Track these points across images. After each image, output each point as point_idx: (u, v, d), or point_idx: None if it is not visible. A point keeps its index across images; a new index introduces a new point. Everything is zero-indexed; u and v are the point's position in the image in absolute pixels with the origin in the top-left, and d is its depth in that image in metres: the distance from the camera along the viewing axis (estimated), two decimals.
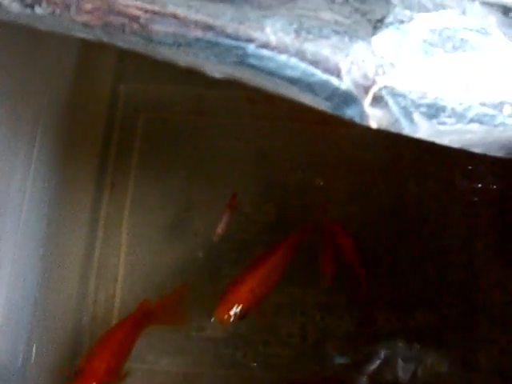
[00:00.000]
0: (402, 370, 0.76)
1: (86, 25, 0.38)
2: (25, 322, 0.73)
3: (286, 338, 0.77)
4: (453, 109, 0.39)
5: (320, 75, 0.37)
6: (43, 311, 0.75)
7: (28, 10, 0.38)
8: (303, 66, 0.37)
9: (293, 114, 0.86)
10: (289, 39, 0.37)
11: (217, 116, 0.88)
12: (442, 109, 0.39)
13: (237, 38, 0.37)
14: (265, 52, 0.37)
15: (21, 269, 0.71)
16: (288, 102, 0.84)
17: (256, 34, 0.37)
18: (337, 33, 0.38)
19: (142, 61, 0.85)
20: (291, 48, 0.37)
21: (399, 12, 0.39)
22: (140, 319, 0.72)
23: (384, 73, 0.38)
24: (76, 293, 0.78)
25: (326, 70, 0.37)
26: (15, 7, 0.38)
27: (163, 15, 0.37)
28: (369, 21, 0.39)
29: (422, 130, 0.39)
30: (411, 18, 0.39)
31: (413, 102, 0.38)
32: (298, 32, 0.37)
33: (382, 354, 0.76)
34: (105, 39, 0.38)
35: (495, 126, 0.40)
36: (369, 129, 0.78)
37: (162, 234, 0.82)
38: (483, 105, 0.39)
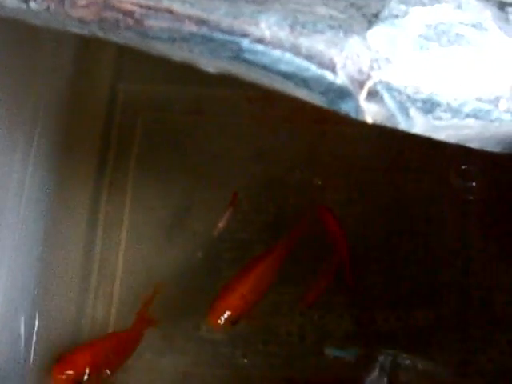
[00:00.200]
0: (401, 370, 0.76)
1: (80, 20, 0.38)
2: (23, 322, 0.73)
3: (285, 337, 0.77)
4: (448, 104, 0.39)
5: (315, 70, 0.37)
6: (42, 311, 0.75)
7: (23, 5, 0.38)
8: (298, 60, 0.37)
9: (292, 114, 0.86)
10: (283, 34, 0.37)
11: (216, 115, 0.88)
12: (438, 104, 0.39)
13: (231, 33, 0.37)
14: (259, 47, 0.37)
15: (19, 268, 0.71)
16: (287, 101, 0.84)
17: (250, 29, 0.37)
18: (332, 27, 0.38)
19: (141, 60, 0.86)
20: (286, 43, 0.37)
21: (394, 6, 0.39)
22: (138, 331, 0.73)
23: (379, 67, 0.38)
24: (75, 292, 0.78)
25: (321, 65, 0.37)
26: (10, 2, 0.38)
27: (158, 10, 0.37)
28: (364, 15, 0.38)
29: (418, 124, 0.39)
30: (406, 13, 0.39)
31: (408, 96, 0.38)
32: (292, 27, 0.37)
33: (381, 353, 0.76)
34: (100, 34, 0.38)
35: (491, 121, 0.39)
36: (368, 127, 0.78)
37: (161, 234, 0.82)
38: (479, 100, 0.39)
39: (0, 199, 0.68)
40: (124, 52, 0.89)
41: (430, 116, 0.39)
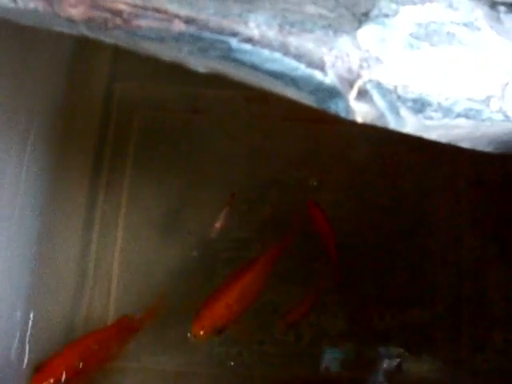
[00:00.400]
0: (396, 369, 0.75)
1: (69, 19, 0.37)
2: (18, 321, 0.73)
3: (280, 337, 0.77)
4: (439, 103, 0.39)
5: (304, 69, 0.37)
6: (37, 310, 0.75)
7: (11, 4, 0.38)
8: (287, 60, 0.37)
9: (289, 113, 0.86)
10: (272, 33, 0.37)
11: (212, 115, 0.87)
12: (429, 103, 0.38)
13: (220, 32, 0.36)
14: (248, 46, 0.37)
15: (14, 267, 0.71)
16: (284, 101, 0.84)
17: (239, 28, 0.36)
18: (321, 27, 0.38)
19: (137, 59, 0.85)
20: (274, 42, 0.37)
21: (385, 5, 0.39)
22: (117, 333, 0.73)
23: (369, 67, 0.37)
24: (71, 291, 0.78)
25: (310, 64, 0.37)
26: None
27: (146, 9, 0.37)
28: (354, 14, 0.38)
29: (409, 124, 0.39)
30: (397, 12, 0.39)
31: (399, 96, 0.38)
32: (281, 26, 0.37)
33: (377, 352, 0.76)
34: (88, 34, 0.38)
35: (482, 120, 0.39)
36: (365, 127, 0.78)
37: (157, 233, 0.82)
38: (470, 99, 0.39)
39: None
40: (120, 51, 0.87)
41: (420, 115, 0.39)
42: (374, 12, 0.39)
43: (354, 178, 0.84)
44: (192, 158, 0.85)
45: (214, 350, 0.76)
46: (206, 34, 0.37)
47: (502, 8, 0.41)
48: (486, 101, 0.39)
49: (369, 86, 0.37)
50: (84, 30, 0.38)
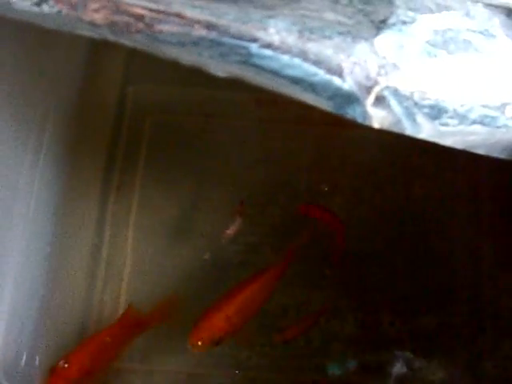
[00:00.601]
0: (406, 375, 0.76)
1: (91, 23, 0.38)
2: (30, 320, 0.73)
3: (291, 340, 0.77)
4: (455, 110, 0.39)
5: (322, 75, 0.38)
6: (49, 309, 0.76)
7: (35, 9, 0.39)
8: (306, 65, 0.38)
9: (300, 117, 0.87)
10: (292, 39, 0.37)
11: (224, 118, 0.88)
12: (444, 110, 0.39)
13: (240, 38, 0.37)
14: (268, 52, 0.37)
15: (27, 267, 0.72)
16: (295, 104, 0.84)
17: (259, 34, 0.37)
18: (340, 33, 0.38)
19: (150, 62, 0.86)
20: (294, 48, 0.37)
21: (402, 13, 0.39)
22: (124, 326, 0.72)
23: (386, 73, 0.38)
24: (82, 292, 0.79)
25: (329, 70, 0.38)
26: (23, 5, 0.38)
27: (168, 15, 0.37)
28: (372, 21, 0.39)
29: (425, 130, 0.40)
30: (414, 19, 0.40)
31: (415, 102, 0.39)
32: (301, 32, 0.38)
33: (387, 357, 0.76)
34: (110, 38, 0.38)
35: (497, 127, 0.40)
36: (376, 132, 0.78)
37: (168, 235, 0.82)
38: (485, 106, 0.39)
39: (9, 199, 0.68)
40: (133, 55, 0.89)
41: (436, 122, 0.39)
42: (392, 19, 0.39)
43: (365, 183, 0.84)
44: (203, 161, 0.86)
45: (224, 352, 0.76)
46: (227, 40, 0.37)
47: None
48: (502, 108, 0.39)
49: (386, 93, 0.38)
50: (107, 34, 0.38)
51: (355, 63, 0.38)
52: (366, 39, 0.38)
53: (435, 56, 0.39)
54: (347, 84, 0.38)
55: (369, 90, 0.38)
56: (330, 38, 0.38)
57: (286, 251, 0.76)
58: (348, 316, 0.78)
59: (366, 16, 0.39)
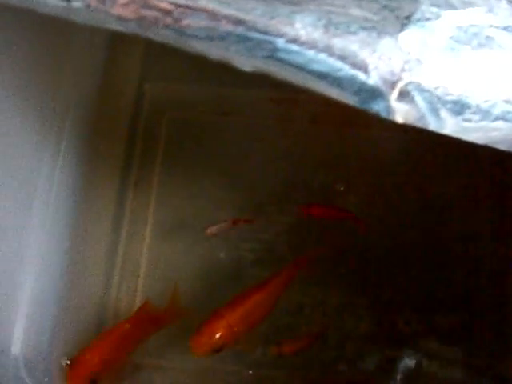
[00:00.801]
0: (421, 374, 0.76)
1: (120, 18, 0.38)
2: (49, 315, 0.74)
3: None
4: (478, 105, 0.39)
5: (348, 70, 0.38)
6: (67, 305, 0.76)
7: (64, 3, 0.39)
8: (331, 60, 0.38)
9: (316, 116, 0.87)
10: (318, 34, 0.38)
11: (241, 116, 0.88)
12: (468, 105, 0.39)
13: (267, 33, 0.37)
14: (294, 47, 0.37)
15: (47, 263, 0.73)
16: (312, 103, 0.85)
17: (286, 29, 0.37)
18: (365, 29, 0.38)
19: (167, 60, 0.88)
20: (320, 43, 0.38)
21: (426, 9, 0.40)
22: (141, 319, 0.73)
23: (411, 69, 0.38)
24: (99, 288, 0.79)
25: (354, 65, 0.38)
26: (52, 0, 0.39)
27: (195, 9, 0.38)
28: (397, 17, 0.39)
29: (448, 126, 0.40)
30: (438, 16, 0.40)
31: (439, 98, 0.39)
32: (326, 27, 0.38)
33: (403, 356, 0.76)
34: (139, 32, 0.39)
35: None
36: (392, 131, 0.78)
37: (184, 232, 0.83)
38: (508, 102, 0.40)
39: (29, 195, 0.69)
40: (151, 52, 0.90)
41: (459, 117, 0.39)
42: (417, 15, 0.39)
43: (380, 183, 0.85)
44: (220, 159, 0.87)
45: (238, 349, 0.77)
46: (254, 35, 0.38)
47: None
48: None
49: (410, 88, 0.38)
50: (135, 29, 0.39)
51: (380, 58, 0.38)
52: (391, 35, 0.38)
53: (459, 52, 0.39)
54: (372, 79, 0.38)
55: (393, 85, 0.38)
56: (355, 33, 0.38)
57: (293, 262, 0.76)
58: (364, 315, 0.78)
59: (391, 12, 0.39)
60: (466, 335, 0.77)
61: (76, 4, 0.39)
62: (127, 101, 0.89)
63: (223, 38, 0.38)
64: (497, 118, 0.40)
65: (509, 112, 0.40)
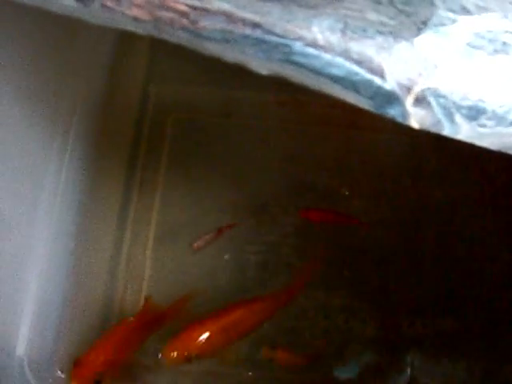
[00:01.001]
0: (425, 377, 0.76)
1: (136, 19, 0.38)
2: (54, 315, 0.74)
3: (310, 341, 0.77)
4: (493, 111, 0.39)
5: (364, 74, 0.38)
6: (71, 305, 0.76)
7: (79, 3, 0.39)
8: (348, 64, 0.38)
9: (321, 118, 0.87)
10: (335, 38, 0.38)
11: (245, 118, 0.88)
12: (483, 111, 0.39)
13: (284, 36, 0.37)
14: (311, 50, 0.37)
15: (52, 262, 0.73)
16: (317, 105, 0.85)
17: (303, 33, 0.37)
18: (381, 33, 0.38)
19: (173, 62, 0.88)
20: (337, 47, 0.38)
21: (443, 14, 0.40)
22: (144, 318, 0.73)
23: (427, 74, 0.38)
24: (103, 288, 0.79)
25: (370, 70, 0.38)
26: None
27: (212, 12, 0.38)
28: (413, 22, 0.39)
29: (463, 131, 0.40)
30: (454, 21, 0.40)
31: (454, 103, 0.39)
32: (343, 31, 0.38)
33: (406, 359, 0.76)
34: (154, 33, 0.39)
35: None
36: (396, 134, 0.78)
37: (188, 234, 0.83)
38: None
39: (36, 196, 0.69)
40: (156, 54, 0.90)
41: (474, 123, 0.39)
42: (433, 21, 0.39)
43: (385, 186, 0.85)
44: (225, 161, 0.87)
45: (243, 351, 0.77)
46: (270, 38, 0.38)
47: None
48: None
49: (426, 93, 0.38)
50: (151, 30, 0.39)
51: (396, 63, 0.38)
52: (407, 40, 0.38)
53: (475, 57, 0.39)
54: (388, 84, 0.38)
55: (409, 90, 0.38)
56: (371, 37, 0.38)
57: (286, 288, 0.75)
58: (367, 317, 0.78)
59: (407, 17, 0.39)
60: (469, 338, 0.77)
61: (90, 4, 0.39)
62: (132, 102, 0.89)
63: (239, 40, 0.38)
64: None
65: None
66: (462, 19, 0.40)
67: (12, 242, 0.66)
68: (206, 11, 0.38)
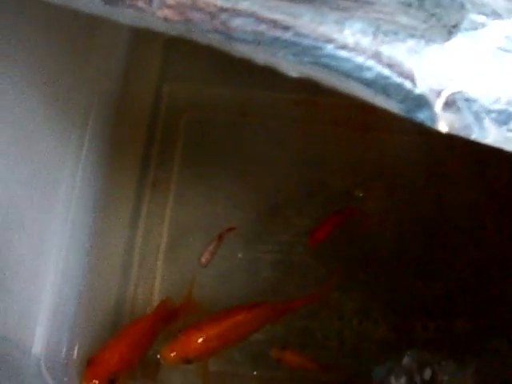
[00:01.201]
0: (439, 380, 0.75)
1: (167, 20, 0.38)
2: (69, 314, 0.74)
3: (323, 341, 0.77)
4: None
5: (394, 78, 0.38)
6: (86, 304, 0.76)
7: (109, 3, 0.39)
8: (379, 68, 0.38)
9: (337, 119, 0.87)
10: (366, 41, 0.37)
11: (260, 118, 0.88)
12: None
13: (316, 39, 0.37)
14: (343, 53, 0.37)
15: (68, 262, 0.73)
16: (332, 106, 0.85)
17: (335, 35, 0.37)
18: (412, 37, 0.38)
19: (187, 61, 0.87)
20: (368, 50, 0.37)
21: (474, 18, 0.40)
22: (159, 317, 0.72)
23: (457, 78, 0.38)
24: (116, 287, 0.79)
25: (401, 74, 0.38)
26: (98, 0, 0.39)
27: (243, 14, 0.38)
28: (444, 26, 0.39)
29: (491, 136, 0.40)
30: (485, 25, 0.40)
31: (484, 107, 0.39)
32: (375, 35, 0.38)
33: (420, 362, 0.76)
34: (184, 34, 0.38)
35: None
36: (411, 135, 0.78)
37: (202, 233, 0.83)
38: None
39: (52, 196, 0.69)
40: (170, 53, 0.90)
41: (504, 127, 0.39)
42: (464, 25, 0.39)
43: (399, 188, 0.85)
44: (238, 160, 0.86)
45: (256, 351, 0.77)
46: (302, 40, 0.37)
47: None
48: None
49: (456, 97, 0.38)
50: (181, 31, 0.38)
51: (427, 67, 0.38)
52: (438, 43, 0.38)
53: (506, 61, 0.39)
54: (418, 88, 0.38)
55: (439, 93, 0.38)
56: (403, 41, 0.38)
57: (288, 303, 0.75)
58: (381, 319, 0.78)
59: (438, 20, 0.39)
60: (483, 341, 0.77)
61: (121, 4, 0.39)
62: (146, 101, 0.89)
63: (271, 42, 0.38)
64: None
65: None
66: (493, 23, 0.40)
67: (30, 243, 0.65)
68: (236, 12, 0.38)
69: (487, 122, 0.39)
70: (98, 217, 0.79)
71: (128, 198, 0.83)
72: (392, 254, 0.80)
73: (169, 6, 0.38)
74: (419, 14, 0.39)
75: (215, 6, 0.38)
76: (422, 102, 0.38)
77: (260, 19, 0.38)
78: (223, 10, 0.38)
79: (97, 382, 0.65)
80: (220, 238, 0.81)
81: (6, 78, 0.57)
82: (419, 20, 0.39)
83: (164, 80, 0.90)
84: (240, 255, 0.81)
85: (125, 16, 0.39)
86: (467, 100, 0.38)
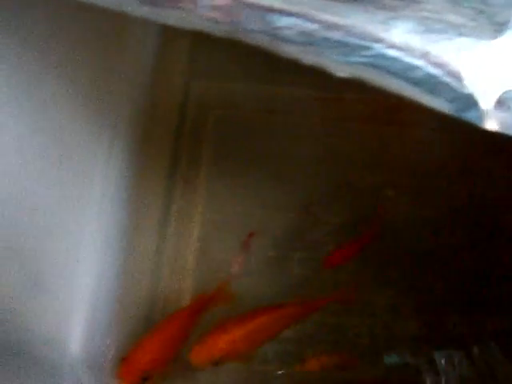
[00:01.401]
0: (470, 377, 0.75)
1: (212, 20, 0.38)
2: (104, 313, 0.74)
3: (354, 339, 0.77)
4: None
5: (443, 77, 0.38)
6: (120, 302, 0.76)
7: (155, 4, 0.39)
8: (428, 67, 0.37)
9: (363, 116, 0.87)
10: (415, 41, 0.37)
11: (287, 115, 0.88)
12: None
13: (364, 38, 0.37)
14: (391, 53, 0.37)
15: (103, 261, 0.73)
16: (359, 103, 0.84)
17: (383, 35, 0.37)
18: (461, 35, 0.38)
19: (215, 58, 0.87)
20: (417, 50, 0.37)
21: None
22: (194, 310, 0.72)
23: (507, 76, 0.38)
24: (148, 285, 0.79)
25: (450, 73, 0.38)
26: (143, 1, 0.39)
27: (291, 14, 0.37)
28: (492, 24, 0.39)
29: None
30: None
31: None
32: (423, 34, 0.37)
33: (451, 359, 0.76)
34: (231, 35, 0.38)
35: None
36: (438, 131, 0.77)
37: (232, 231, 0.83)
38: None
39: (85, 197, 0.70)
40: (198, 50, 0.90)
41: None
42: None
43: (428, 184, 0.84)
44: (266, 157, 0.86)
45: (288, 349, 0.76)
46: (350, 40, 0.37)
47: None
48: None
49: (506, 96, 0.38)
50: (227, 31, 0.38)
51: (476, 66, 0.37)
52: (487, 42, 0.38)
53: None
54: (467, 87, 0.38)
55: (489, 93, 0.38)
56: (451, 39, 0.38)
57: (317, 301, 0.74)
58: (412, 316, 0.78)
59: (486, 18, 0.39)
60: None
61: (167, 5, 0.39)
62: (175, 98, 0.89)
63: (319, 43, 0.37)
64: None
65: None
66: None
67: (65, 243, 0.66)
68: (284, 13, 0.38)
69: None
70: (129, 216, 0.80)
71: (158, 196, 0.83)
72: (423, 250, 0.80)
73: (214, 7, 0.38)
74: (467, 12, 0.39)
75: (263, 6, 0.38)
76: (470, 101, 0.38)
77: (309, 19, 0.37)
78: (270, 10, 0.38)
79: (130, 379, 0.65)
80: (246, 245, 0.81)
81: (49, 81, 0.57)
82: (467, 18, 0.39)
83: (192, 77, 0.90)
84: (271, 253, 0.81)
85: (169, 16, 0.39)
86: None
